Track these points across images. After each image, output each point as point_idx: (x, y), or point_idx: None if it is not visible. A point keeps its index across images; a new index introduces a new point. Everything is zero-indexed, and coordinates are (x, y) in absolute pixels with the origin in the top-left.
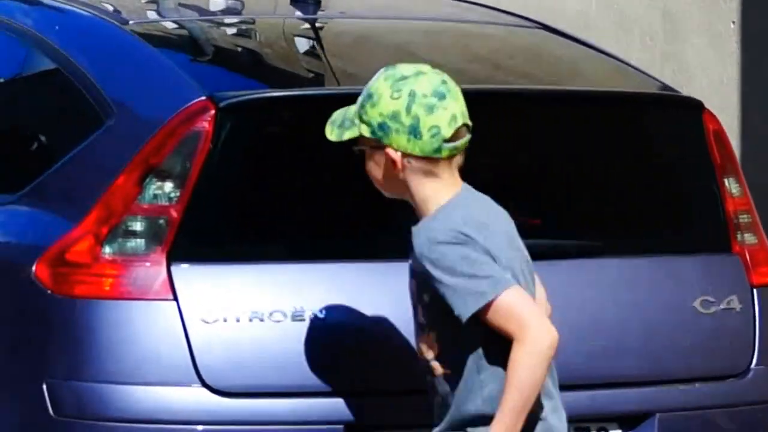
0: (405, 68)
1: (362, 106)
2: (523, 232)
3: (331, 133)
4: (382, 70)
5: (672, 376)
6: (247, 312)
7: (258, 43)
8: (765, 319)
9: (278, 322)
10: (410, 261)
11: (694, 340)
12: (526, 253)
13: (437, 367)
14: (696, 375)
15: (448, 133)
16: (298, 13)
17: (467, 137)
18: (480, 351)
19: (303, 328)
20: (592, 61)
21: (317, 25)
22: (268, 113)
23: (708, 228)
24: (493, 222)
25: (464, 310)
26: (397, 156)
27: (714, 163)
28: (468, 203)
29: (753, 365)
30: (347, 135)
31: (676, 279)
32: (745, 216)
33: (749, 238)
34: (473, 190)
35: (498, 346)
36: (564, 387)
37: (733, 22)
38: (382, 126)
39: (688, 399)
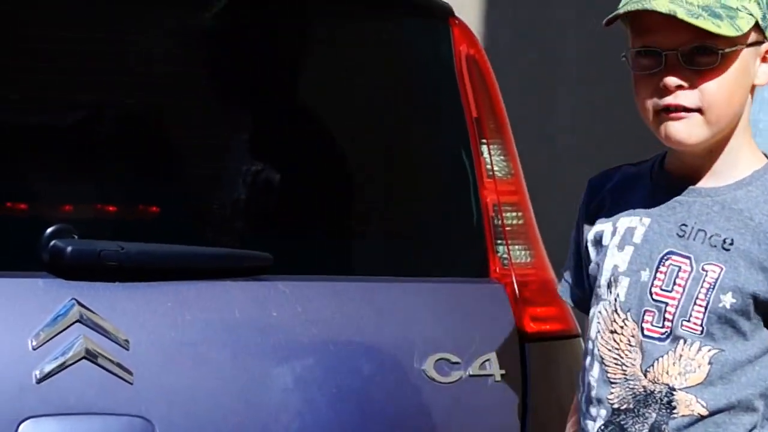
0: None
1: None
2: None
3: (717, 27)
4: None
5: None
6: None
7: None
8: (538, 395)
9: None
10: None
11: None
12: None
13: (688, 402)
14: None
15: None
16: None
17: None
18: None
19: None
20: None
21: None
22: None
23: (447, 232)
24: None
25: None
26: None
27: (466, 113)
28: None
29: None
30: (744, 26)
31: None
32: (512, 213)
33: (519, 253)
34: None
35: None
36: None
37: None
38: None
39: None
